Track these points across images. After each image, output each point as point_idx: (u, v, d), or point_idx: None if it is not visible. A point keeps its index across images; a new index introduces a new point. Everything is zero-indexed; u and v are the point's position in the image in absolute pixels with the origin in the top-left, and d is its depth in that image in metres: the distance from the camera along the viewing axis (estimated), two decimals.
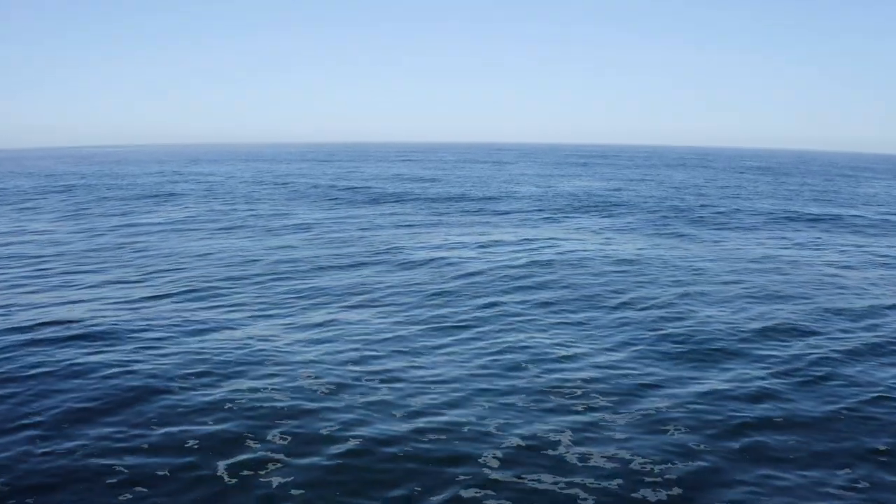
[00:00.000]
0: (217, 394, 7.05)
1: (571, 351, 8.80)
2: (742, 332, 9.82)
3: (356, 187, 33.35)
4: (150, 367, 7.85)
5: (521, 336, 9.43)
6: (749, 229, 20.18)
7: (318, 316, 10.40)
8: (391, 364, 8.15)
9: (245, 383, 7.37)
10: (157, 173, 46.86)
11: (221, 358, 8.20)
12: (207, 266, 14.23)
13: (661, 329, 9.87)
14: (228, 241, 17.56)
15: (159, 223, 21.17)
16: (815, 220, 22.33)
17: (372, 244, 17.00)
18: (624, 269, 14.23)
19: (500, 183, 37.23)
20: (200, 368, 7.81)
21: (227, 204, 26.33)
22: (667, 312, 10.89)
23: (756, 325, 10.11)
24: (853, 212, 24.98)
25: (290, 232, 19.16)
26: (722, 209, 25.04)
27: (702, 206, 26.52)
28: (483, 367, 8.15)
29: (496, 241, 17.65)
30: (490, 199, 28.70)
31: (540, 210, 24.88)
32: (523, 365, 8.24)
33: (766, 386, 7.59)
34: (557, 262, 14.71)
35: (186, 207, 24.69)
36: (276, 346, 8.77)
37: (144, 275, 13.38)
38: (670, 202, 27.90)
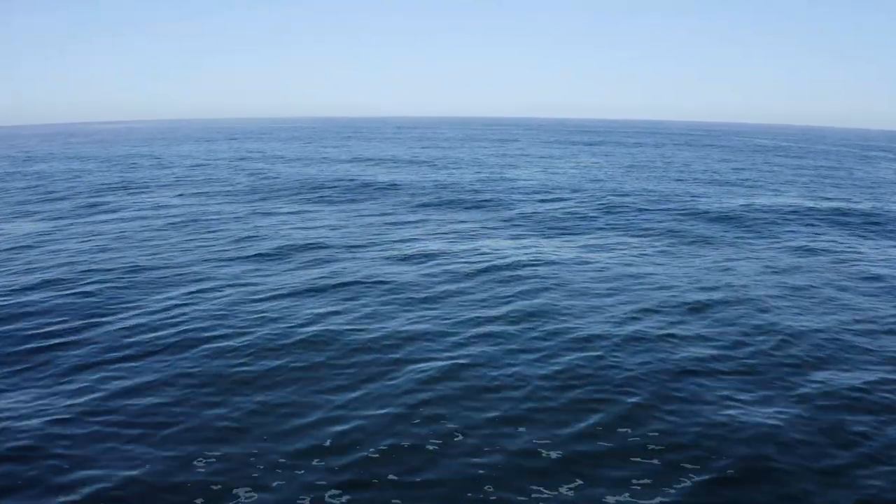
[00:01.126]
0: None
1: (562, 450, 6.43)
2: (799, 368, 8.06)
3: (343, 175, 30.25)
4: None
5: (502, 408, 7.29)
6: (775, 228, 17.71)
7: (237, 376, 8.23)
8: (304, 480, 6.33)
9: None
10: (140, 156, 44.79)
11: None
12: (154, 289, 12.34)
13: (694, 376, 8.07)
14: (180, 245, 15.32)
15: (120, 218, 19.28)
16: (843, 215, 19.83)
17: (343, 254, 14.26)
18: (639, 284, 12.20)
19: (501, 167, 34.56)
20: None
21: (198, 195, 23.76)
22: (699, 351, 9.05)
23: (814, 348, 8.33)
24: (882, 205, 22.72)
25: (254, 233, 16.93)
26: (741, 201, 22.72)
27: (718, 195, 24.43)
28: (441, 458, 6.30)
29: (487, 248, 15.15)
30: (487, 186, 26.14)
31: (542, 201, 22.35)
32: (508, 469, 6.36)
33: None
34: (557, 277, 12.46)
35: (155, 208, 22.54)
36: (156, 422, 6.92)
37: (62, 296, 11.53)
38: (683, 190, 25.87)
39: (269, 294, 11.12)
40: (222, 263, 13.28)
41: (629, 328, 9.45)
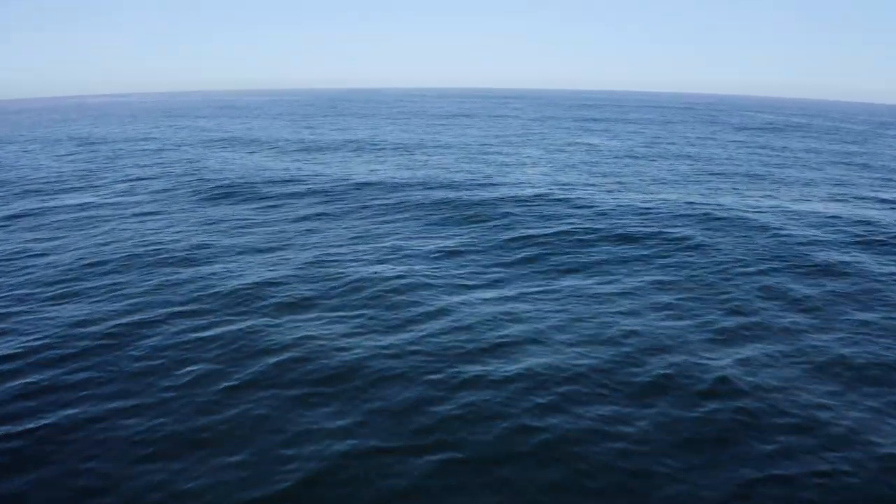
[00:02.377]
0: None
1: None
2: None
3: (318, 171, 25.15)
4: None
5: None
6: (806, 249, 13.90)
7: None
8: None
9: None
10: (110, 140, 42.13)
11: None
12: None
13: None
14: (75, 274, 12.63)
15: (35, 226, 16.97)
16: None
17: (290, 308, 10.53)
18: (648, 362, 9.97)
19: (498, 156, 30.54)
20: None
21: (142, 197, 19.80)
22: None
23: None
24: None
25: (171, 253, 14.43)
26: (764, 202, 19.87)
27: (737, 193, 21.44)
28: None
29: (457, 298, 10.76)
30: (479, 186, 21.71)
31: (539, 211, 17.77)
32: None
33: None
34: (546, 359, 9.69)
35: (78, 212, 19.63)
36: None
37: None
38: (701, 183, 23.30)
39: (159, 339, 8.93)
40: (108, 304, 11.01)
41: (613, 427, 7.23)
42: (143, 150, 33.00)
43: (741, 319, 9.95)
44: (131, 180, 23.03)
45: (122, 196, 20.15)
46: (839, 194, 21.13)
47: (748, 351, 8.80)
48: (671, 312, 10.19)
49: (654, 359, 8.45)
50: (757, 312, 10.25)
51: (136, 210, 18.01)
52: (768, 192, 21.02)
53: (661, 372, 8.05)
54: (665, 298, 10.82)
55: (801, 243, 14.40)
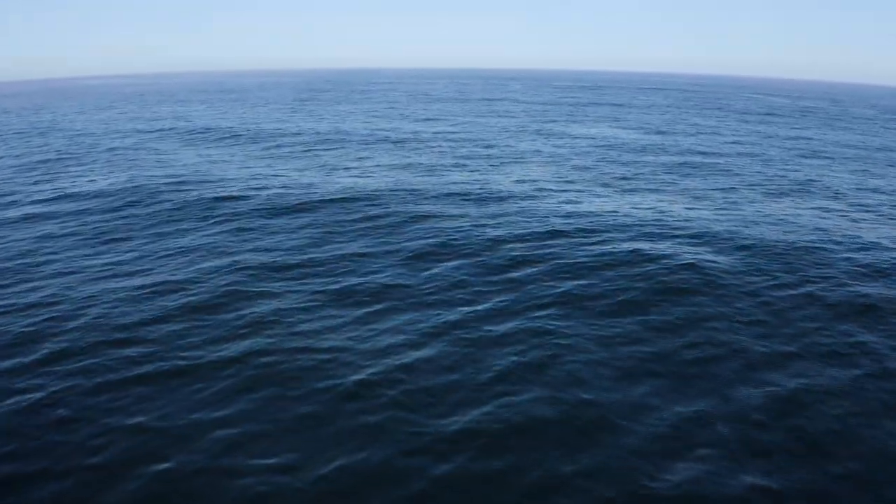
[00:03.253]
0: None
1: None
2: None
3: (294, 165, 23.14)
4: None
5: None
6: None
7: None
8: None
9: None
10: (87, 133, 40.25)
11: None
12: None
13: None
14: None
15: None
16: None
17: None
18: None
19: (493, 147, 27.83)
20: None
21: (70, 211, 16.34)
22: None
23: None
24: None
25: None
26: (790, 208, 17.93)
27: (763, 202, 19.47)
28: None
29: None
30: (473, 182, 19.47)
31: (540, 214, 15.54)
32: None
33: None
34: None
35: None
36: None
37: None
38: (732, 208, 21.14)
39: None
40: None
41: None
42: (109, 144, 29.68)
43: (779, 358, 8.42)
44: (72, 183, 19.62)
45: (45, 206, 16.88)
46: (873, 200, 18.68)
47: (794, 410, 7.29)
48: (697, 342, 8.68)
49: (679, 410, 6.97)
50: (803, 373, 8.43)
51: (46, 226, 14.96)
52: (795, 198, 18.48)
53: (692, 438, 6.55)
54: (689, 329, 9.28)
55: (846, 270, 11.85)
